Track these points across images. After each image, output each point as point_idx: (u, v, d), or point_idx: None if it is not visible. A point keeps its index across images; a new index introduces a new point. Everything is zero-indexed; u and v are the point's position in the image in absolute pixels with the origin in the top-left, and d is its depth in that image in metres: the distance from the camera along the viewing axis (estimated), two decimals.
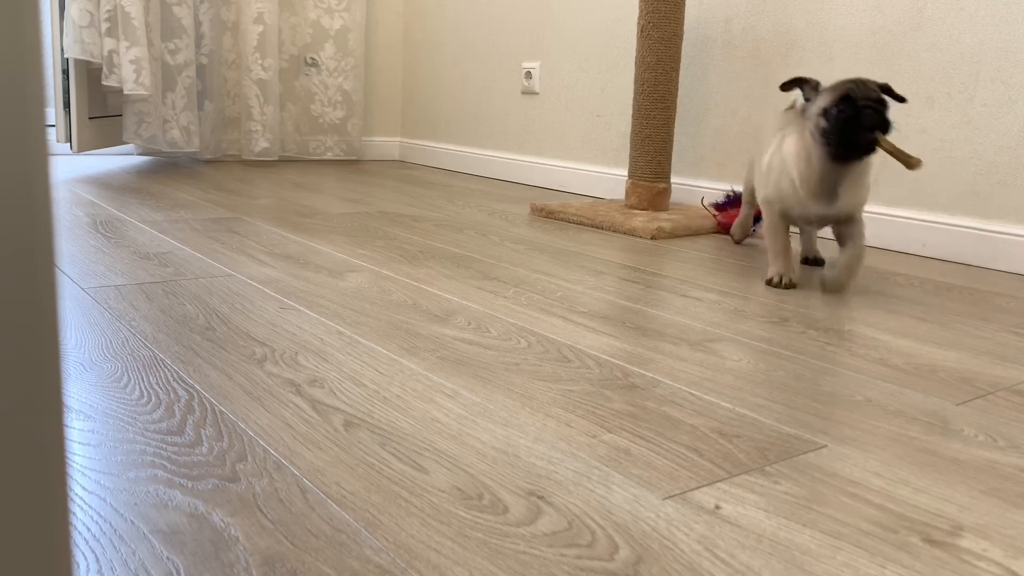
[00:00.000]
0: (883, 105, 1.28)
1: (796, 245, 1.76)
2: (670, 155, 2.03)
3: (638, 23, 1.99)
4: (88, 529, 0.57)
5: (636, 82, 2.01)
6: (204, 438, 0.72)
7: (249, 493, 0.63)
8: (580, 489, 0.66)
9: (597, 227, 1.95)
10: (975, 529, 0.63)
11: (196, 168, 2.78)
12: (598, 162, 2.53)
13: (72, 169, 2.58)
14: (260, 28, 2.92)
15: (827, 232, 1.72)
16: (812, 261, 1.63)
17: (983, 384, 0.97)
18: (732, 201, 1.95)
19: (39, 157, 0.26)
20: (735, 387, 0.91)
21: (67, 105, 2.53)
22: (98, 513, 0.59)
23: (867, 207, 1.85)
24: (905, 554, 0.59)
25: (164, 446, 0.71)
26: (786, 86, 1.39)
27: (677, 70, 1.99)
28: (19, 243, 0.26)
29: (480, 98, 2.97)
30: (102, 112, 2.68)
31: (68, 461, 0.67)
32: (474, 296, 1.25)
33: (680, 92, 2.24)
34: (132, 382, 0.85)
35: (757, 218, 1.84)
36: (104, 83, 2.54)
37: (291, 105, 3.14)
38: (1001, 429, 0.83)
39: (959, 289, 1.46)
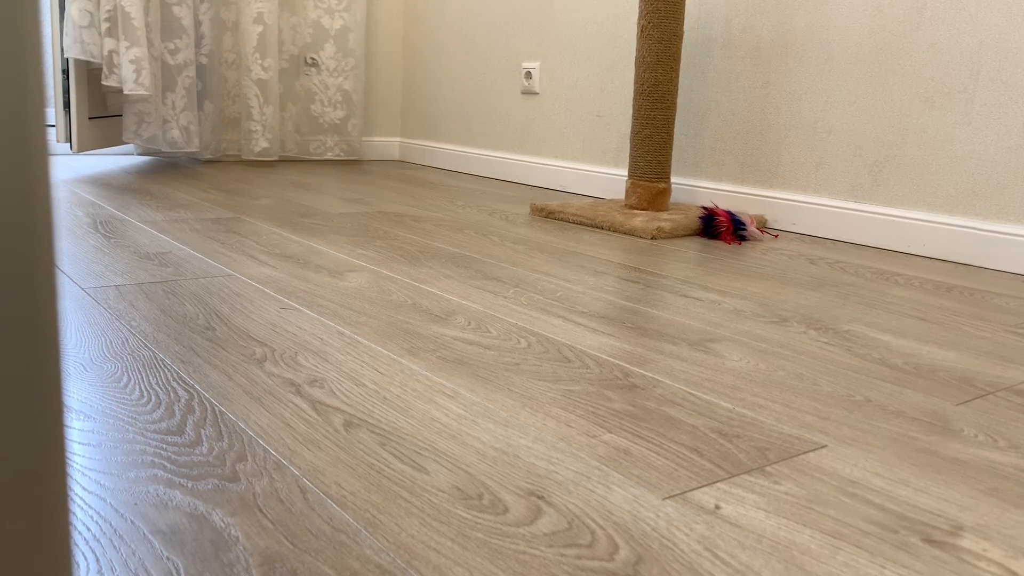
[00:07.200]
0: None
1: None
2: (670, 155, 2.03)
3: (638, 23, 1.99)
4: (88, 529, 0.57)
5: (636, 82, 2.01)
6: (204, 438, 0.72)
7: (249, 493, 0.63)
8: (580, 489, 0.66)
9: (597, 227, 1.95)
10: (975, 529, 0.63)
11: (196, 168, 2.78)
12: (598, 162, 2.53)
13: (72, 169, 2.58)
14: (260, 28, 2.92)
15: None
16: None
17: (983, 384, 0.97)
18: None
19: (39, 157, 0.26)
20: (735, 387, 0.91)
21: (67, 105, 2.52)
22: (98, 513, 0.59)
23: (866, 206, 1.85)
24: (905, 554, 0.59)
25: (164, 446, 0.71)
26: None
27: (677, 70, 1.99)
28: (19, 243, 0.26)
29: (480, 98, 2.97)
30: (102, 112, 2.68)
31: (68, 461, 0.67)
32: (474, 296, 1.25)
33: (680, 92, 2.24)
34: (132, 382, 0.85)
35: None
36: (104, 83, 2.54)
37: (291, 105, 3.14)
38: (1001, 429, 0.83)
39: (959, 289, 1.46)
